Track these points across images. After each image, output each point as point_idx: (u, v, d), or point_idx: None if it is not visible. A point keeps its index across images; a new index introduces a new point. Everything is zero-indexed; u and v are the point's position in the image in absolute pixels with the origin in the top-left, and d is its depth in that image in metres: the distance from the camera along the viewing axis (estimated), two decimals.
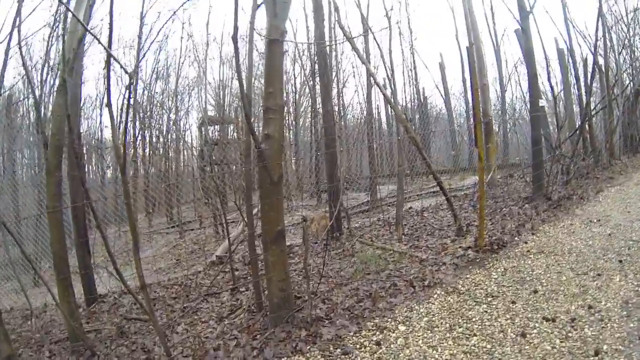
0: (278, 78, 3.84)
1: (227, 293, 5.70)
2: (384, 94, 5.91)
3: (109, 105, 3.41)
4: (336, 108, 15.32)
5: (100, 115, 15.49)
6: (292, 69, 17.34)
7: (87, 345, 4.45)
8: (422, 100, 18.33)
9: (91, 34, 3.15)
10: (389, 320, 3.79)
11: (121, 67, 3.49)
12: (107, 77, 3.34)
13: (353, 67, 20.01)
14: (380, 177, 14.24)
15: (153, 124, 15.86)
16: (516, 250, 5.30)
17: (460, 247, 5.51)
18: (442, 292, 4.23)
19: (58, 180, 4.78)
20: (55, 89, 5.01)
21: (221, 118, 15.75)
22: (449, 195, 6.29)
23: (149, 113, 15.59)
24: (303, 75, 15.97)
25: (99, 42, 3.08)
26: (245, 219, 4.72)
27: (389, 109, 19.87)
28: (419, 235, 6.67)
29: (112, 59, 3.29)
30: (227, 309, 5.09)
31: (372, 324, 3.76)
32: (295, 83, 17.10)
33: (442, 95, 20.06)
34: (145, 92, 15.58)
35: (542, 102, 11.51)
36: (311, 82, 13.15)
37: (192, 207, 14.16)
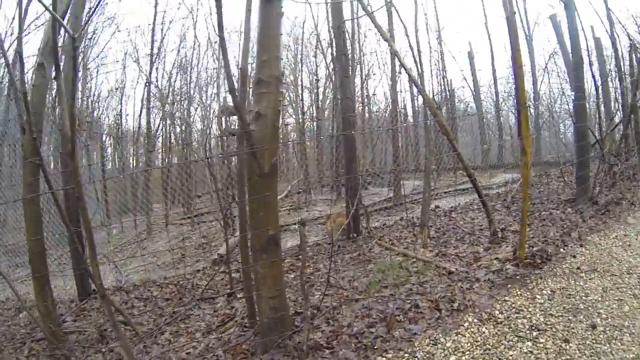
0: (274, 44, 2.97)
1: (223, 299, 4.94)
2: (409, 75, 4.98)
3: (57, 74, 2.65)
4: (359, 98, 14.40)
5: (121, 105, 14.79)
6: (315, 59, 16.44)
7: (63, 349, 4.01)
8: (449, 92, 17.02)
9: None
10: (406, 356, 2.90)
11: (65, 29, 2.72)
12: (53, 41, 2.57)
13: (377, 57, 18.88)
14: (405, 172, 13.25)
15: (175, 115, 15.24)
16: (563, 265, 4.31)
17: (496, 258, 4.54)
18: (475, 320, 3.29)
19: (34, 168, 4.16)
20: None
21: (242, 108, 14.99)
22: (484, 197, 5.30)
23: (171, 103, 14.97)
24: (325, 63, 14.98)
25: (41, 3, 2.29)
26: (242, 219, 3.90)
27: (415, 100, 18.75)
28: (446, 240, 5.70)
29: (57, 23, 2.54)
30: (219, 319, 4.34)
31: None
32: (317, 71, 16.18)
33: (470, 88, 18.62)
34: (168, 84, 14.97)
35: None
36: (332, 68, 12.14)
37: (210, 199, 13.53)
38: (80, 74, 13.17)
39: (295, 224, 8.03)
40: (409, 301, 3.63)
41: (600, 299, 3.51)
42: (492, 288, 3.85)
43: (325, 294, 4.13)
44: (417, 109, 19.73)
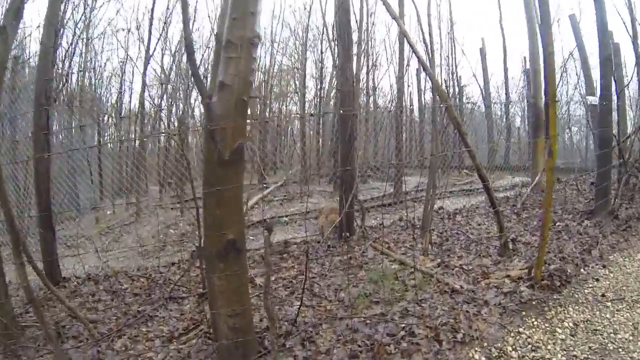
0: None
1: (194, 299, 4.29)
2: (418, 58, 4.28)
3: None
4: (364, 89, 13.61)
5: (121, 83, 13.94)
6: (321, 45, 15.61)
7: (13, 348, 3.41)
8: (458, 88, 16.20)
9: None
10: None
11: None
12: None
13: (385, 46, 18.00)
14: (408, 167, 12.53)
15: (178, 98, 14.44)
16: (585, 290, 3.65)
17: (507, 275, 3.85)
18: (483, 358, 2.62)
19: None
20: None
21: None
22: (497, 207, 4.59)
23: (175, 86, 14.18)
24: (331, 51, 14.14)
25: None
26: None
27: (422, 95, 17.94)
28: (450, 247, 5.02)
29: None
30: (184, 325, 3.69)
31: None
32: (322, 58, 15.33)
33: (479, 87, 17.71)
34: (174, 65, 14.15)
35: (593, 99, 9.51)
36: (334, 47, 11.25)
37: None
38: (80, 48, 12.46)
39: (285, 216, 7.36)
40: (403, 325, 2.95)
41: (631, 338, 2.85)
42: (504, 315, 3.17)
43: (306, 305, 3.47)
44: (424, 103, 18.98)
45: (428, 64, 4.68)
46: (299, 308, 3.12)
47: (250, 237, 6.33)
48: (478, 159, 4.76)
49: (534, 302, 3.38)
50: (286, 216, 7.29)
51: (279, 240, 5.90)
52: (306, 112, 16.24)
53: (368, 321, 3.08)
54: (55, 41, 5.39)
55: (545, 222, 3.66)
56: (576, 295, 3.54)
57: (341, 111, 5.47)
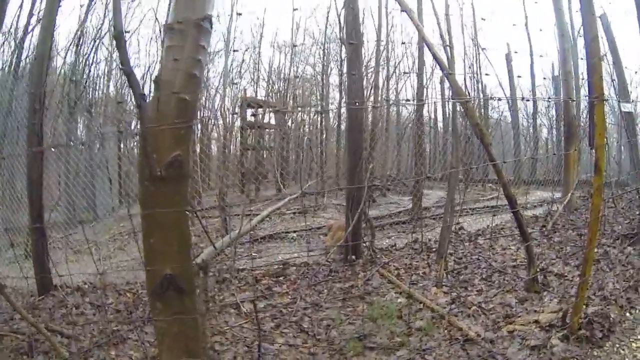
0: None
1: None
2: (436, 59, 3.61)
3: None
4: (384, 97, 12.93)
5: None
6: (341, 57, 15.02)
7: None
8: (483, 97, 15.21)
9: None
10: None
11: None
12: None
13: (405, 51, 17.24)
14: (430, 180, 11.77)
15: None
16: (633, 345, 2.89)
17: (536, 321, 3.14)
18: None
19: None
20: None
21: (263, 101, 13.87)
22: (529, 239, 3.87)
23: None
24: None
25: None
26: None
27: (447, 105, 17.07)
28: (469, 278, 4.31)
29: None
30: (154, 351, 3.16)
31: None
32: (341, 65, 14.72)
33: (504, 94, 16.55)
34: None
35: (629, 107, 8.56)
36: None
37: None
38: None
39: (294, 231, 6.77)
40: None
41: None
42: None
43: (289, 345, 2.88)
44: (447, 114, 18.09)
45: (447, 64, 4.03)
46: (295, 332, 2.52)
47: (254, 254, 5.80)
48: (504, 175, 4.05)
49: None
50: (295, 231, 6.71)
51: (282, 259, 5.33)
52: (331, 123, 15.74)
53: None
54: (51, 46, 5.07)
55: (588, 258, 2.92)
56: (622, 351, 2.80)
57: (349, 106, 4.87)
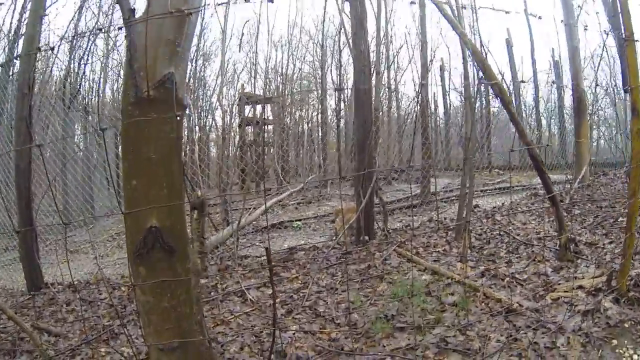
0: None
1: None
2: (461, 36, 3.22)
3: None
4: (385, 88, 12.53)
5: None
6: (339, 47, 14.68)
7: None
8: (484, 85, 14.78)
9: None
10: None
11: None
12: None
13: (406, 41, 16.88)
14: (435, 169, 11.40)
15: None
16: None
17: (579, 287, 2.75)
18: None
19: None
20: None
21: (263, 96, 13.47)
22: (556, 195, 3.50)
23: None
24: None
25: None
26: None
27: (447, 96, 16.77)
28: (494, 251, 3.92)
29: None
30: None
31: None
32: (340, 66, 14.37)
33: (505, 82, 16.10)
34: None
35: None
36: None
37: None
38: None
39: (299, 220, 6.37)
40: None
41: None
42: (588, 346, 2.09)
43: (304, 332, 2.48)
44: (448, 105, 17.71)
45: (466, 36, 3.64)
46: (297, 330, 2.13)
47: (257, 243, 5.39)
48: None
49: (626, 325, 2.27)
50: (300, 220, 6.31)
51: (288, 246, 4.93)
52: (328, 118, 15.33)
53: (389, 358, 2.05)
54: (40, 28, 4.79)
55: (632, 211, 2.53)
56: None
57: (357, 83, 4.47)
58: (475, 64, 3.77)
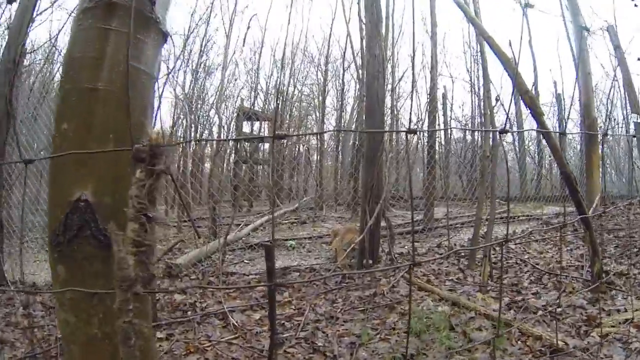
0: None
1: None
2: (487, 39, 2.94)
3: None
4: (389, 109, 12.24)
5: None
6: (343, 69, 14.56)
7: None
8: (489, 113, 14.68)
9: None
10: None
11: None
12: None
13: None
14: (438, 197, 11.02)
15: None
16: None
17: (626, 320, 2.31)
18: None
19: None
20: None
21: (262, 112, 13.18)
22: (589, 217, 3.10)
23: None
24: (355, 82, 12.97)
25: None
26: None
27: (449, 123, 16.58)
28: (516, 280, 3.47)
29: None
30: None
31: None
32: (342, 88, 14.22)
33: (504, 110, 16.03)
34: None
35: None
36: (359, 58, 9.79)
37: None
38: None
39: (294, 239, 5.87)
40: None
41: None
42: None
43: None
44: (449, 134, 17.46)
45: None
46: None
47: (245, 261, 4.88)
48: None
49: None
50: (294, 239, 5.82)
51: (280, 266, 4.42)
52: (325, 143, 15.04)
53: None
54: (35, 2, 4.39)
55: None
56: None
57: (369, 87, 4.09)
58: (508, 73, 3.39)
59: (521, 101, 3.51)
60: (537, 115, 3.16)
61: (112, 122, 0.88)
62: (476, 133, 17.18)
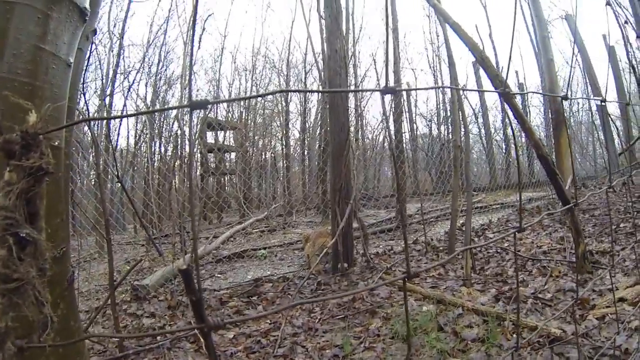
0: None
1: None
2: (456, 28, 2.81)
3: None
4: (352, 112, 12.19)
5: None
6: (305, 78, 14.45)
7: None
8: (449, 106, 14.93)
9: None
10: None
11: None
12: None
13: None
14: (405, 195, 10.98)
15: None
16: None
17: (620, 298, 2.21)
18: None
19: None
20: None
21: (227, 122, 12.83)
22: (570, 200, 3.04)
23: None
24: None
25: None
26: None
27: (414, 120, 16.77)
28: (500, 270, 3.35)
29: None
30: None
31: None
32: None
33: (470, 105, 16.52)
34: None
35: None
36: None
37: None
38: None
39: (264, 248, 5.61)
40: None
41: None
42: None
43: None
44: (415, 132, 17.62)
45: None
46: None
47: (217, 275, 4.59)
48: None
49: None
50: (265, 248, 5.55)
51: (252, 277, 4.15)
52: (291, 148, 14.81)
53: None
54: None
55: None
56: None
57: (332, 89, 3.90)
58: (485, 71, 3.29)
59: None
60: (518, 114, 3.11)
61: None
62: (442, 126, 17.55)
